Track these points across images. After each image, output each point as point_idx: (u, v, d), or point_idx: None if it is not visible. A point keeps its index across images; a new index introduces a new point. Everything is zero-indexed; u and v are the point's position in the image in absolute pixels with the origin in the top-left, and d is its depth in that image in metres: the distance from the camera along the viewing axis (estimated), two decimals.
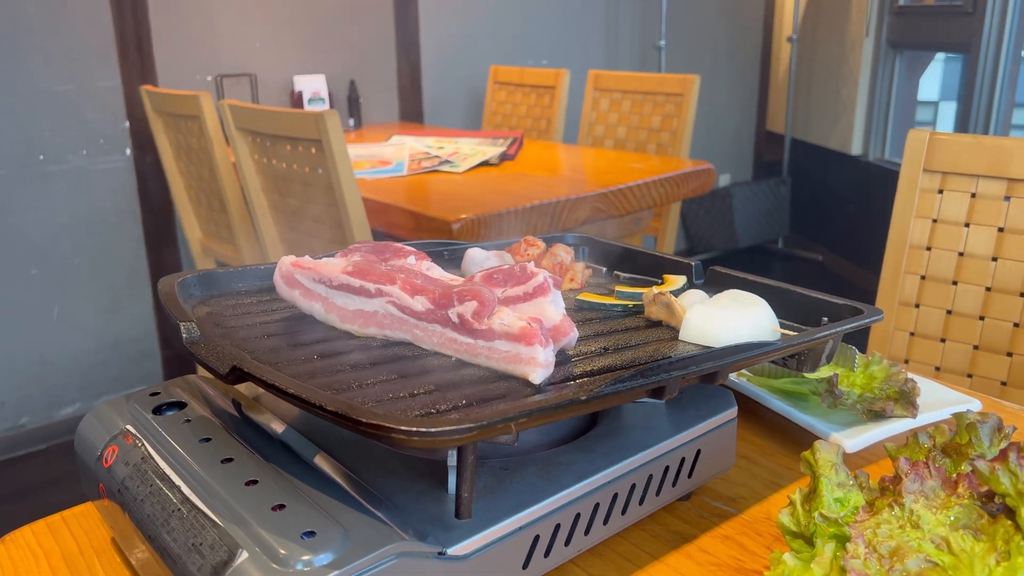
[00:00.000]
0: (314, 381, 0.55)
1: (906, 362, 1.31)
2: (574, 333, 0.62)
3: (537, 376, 0.56)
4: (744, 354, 0.60)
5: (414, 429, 0.43)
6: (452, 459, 0.54)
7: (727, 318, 0.67)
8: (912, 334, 1.30)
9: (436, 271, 0.68)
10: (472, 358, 0.59)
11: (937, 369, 1.28)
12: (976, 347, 1.24)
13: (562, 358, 0.62)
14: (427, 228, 1.74)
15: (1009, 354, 1.21)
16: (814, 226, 4.44)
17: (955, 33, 3.38)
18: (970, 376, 1.25)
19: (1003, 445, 0.52)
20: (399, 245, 0.70)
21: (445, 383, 0.56)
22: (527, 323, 0.57)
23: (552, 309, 0.62)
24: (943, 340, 1.27)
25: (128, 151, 2.63)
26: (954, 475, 0.51)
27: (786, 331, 0.70)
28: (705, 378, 0.59)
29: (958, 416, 0.54)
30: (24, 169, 2.46)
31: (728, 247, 4.32)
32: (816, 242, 4.43)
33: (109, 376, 2.74)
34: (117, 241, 2.67)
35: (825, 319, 0.73)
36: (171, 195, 2.57)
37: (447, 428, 0.44)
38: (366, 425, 0.44)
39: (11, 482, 2.45)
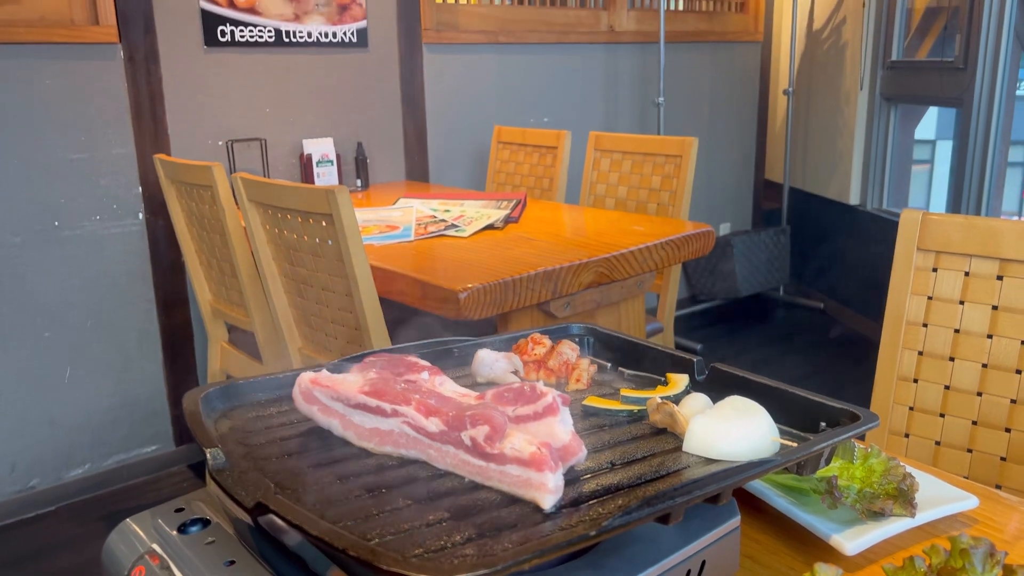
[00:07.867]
0: (334, 509, 0.58)
1: (906, 436, 1.33)
2: (583, 452, 0.65)
3: (547, 502, 0.59)
4: (745, 474, 0.63)
5: None
6: None
7: (728, 431, 0.70)
8: (911, 408, 1.33)
9: (448, 386, 0.71)
10: (485, 480, 0.62)
11: (937, 444, 1.30)
12: (975, 422, 1.26)
13: (572, 476, 0.65)
14: (434, 297, 1.78)
15: (1007, 430, 1.23)
16: (814, 274, 4.47)
17: (947, 88, 3.45)
18: (970, 451, 1.27)
19: (996, 571, 0.54)
20: (413, 359, 0.74)
21: (458, 510, 0.59)
22: (537, 448, 0.60)
23: (561, 429, 0.65)
24: (942, 415, 1.30)
25: (141, 215, 2.69)
26: None
27: (785, 440, 0.73)
28: (708, 500, 0.61)
29: (952, 540, 0.57)
30: (39, 235, 2.51)
31: (730, 296, 4.35)
32: (817, 290, 4.46)
33: (119, 436, 2.76)
34: (129, 302, 2.71)
35: (823, 424, 0.76)
36: (183, 258, 2.62)
37: None
38: (386, 573, 0.47)
39: (22, 544, 2.45)
